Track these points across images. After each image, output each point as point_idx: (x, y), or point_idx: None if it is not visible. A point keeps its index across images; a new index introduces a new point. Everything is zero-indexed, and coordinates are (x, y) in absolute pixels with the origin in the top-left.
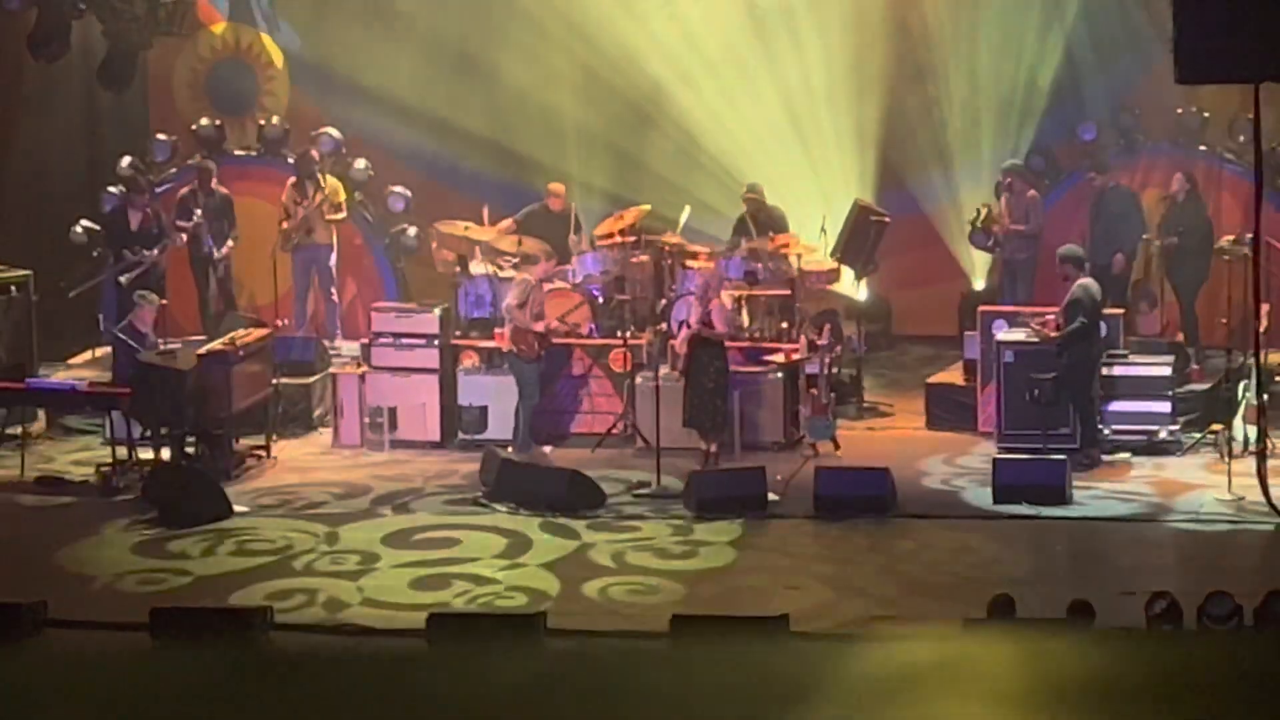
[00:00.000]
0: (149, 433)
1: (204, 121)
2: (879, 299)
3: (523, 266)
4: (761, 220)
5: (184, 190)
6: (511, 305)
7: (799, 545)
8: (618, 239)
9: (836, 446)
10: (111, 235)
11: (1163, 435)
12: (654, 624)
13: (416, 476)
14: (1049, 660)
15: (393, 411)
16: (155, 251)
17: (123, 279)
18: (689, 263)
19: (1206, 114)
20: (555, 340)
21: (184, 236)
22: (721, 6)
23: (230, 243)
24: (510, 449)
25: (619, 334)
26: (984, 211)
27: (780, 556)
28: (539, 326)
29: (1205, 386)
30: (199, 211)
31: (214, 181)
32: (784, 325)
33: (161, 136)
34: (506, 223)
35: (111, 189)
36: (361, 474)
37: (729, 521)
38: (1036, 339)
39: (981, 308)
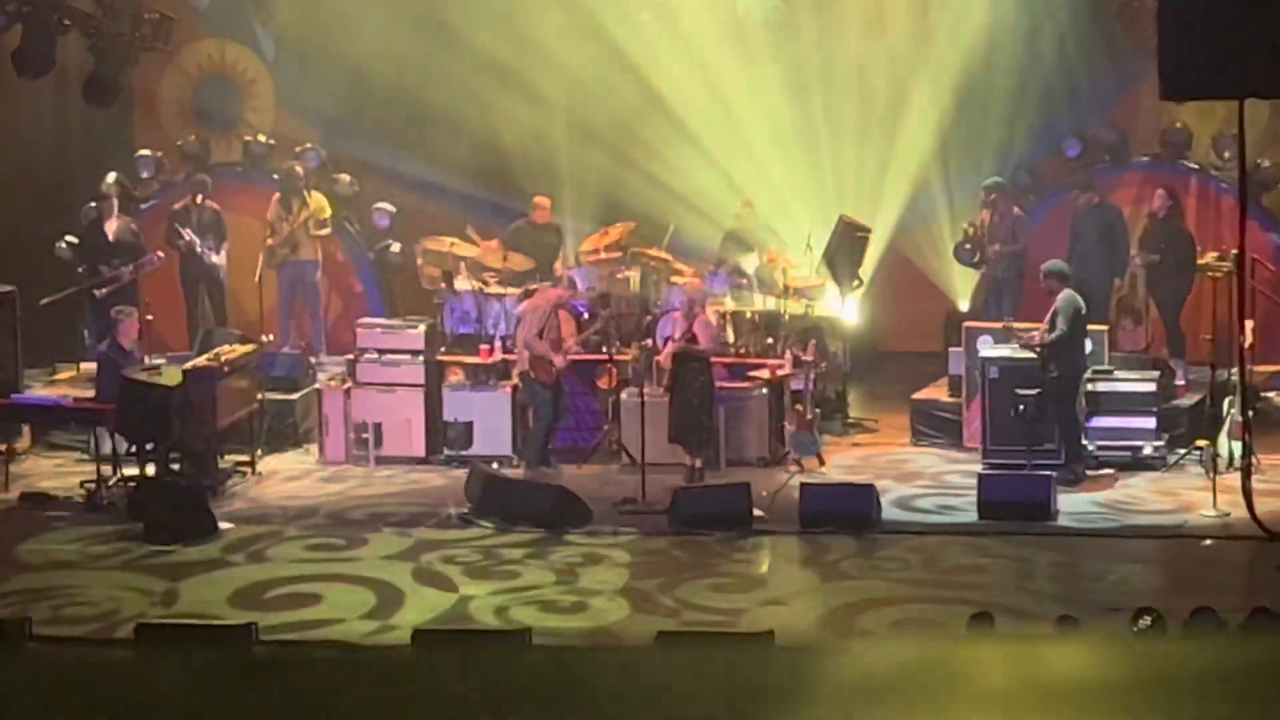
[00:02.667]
0: (134, 448)
1: (190, 137)
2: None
3: (537, 292)
4: (751, 236)
5: (178, 205)
6: (530, 335)
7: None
8: (603, 255)
9: (821, 463)
10: (89, 249)
11: (1147, 451)
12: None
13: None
14: (1036, 664)
15: (378, 427)
16: (130, 269)
17: (98, 293)
18: (674, 278)
19: (1191, 130)
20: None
21: (160, 255)
22: (705, 23)
23: (219, 253)
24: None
25: (604, 350)
26: (971, 230)
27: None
28: (558, 359)
29: (1190, 402)
30: (187, 231)
31: (200, 196)
32: (769, 341)
33: (146, 152)
34: (493, 241)
35: (92, 204)
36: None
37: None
38: (1025, 349)
39: (966, 323)
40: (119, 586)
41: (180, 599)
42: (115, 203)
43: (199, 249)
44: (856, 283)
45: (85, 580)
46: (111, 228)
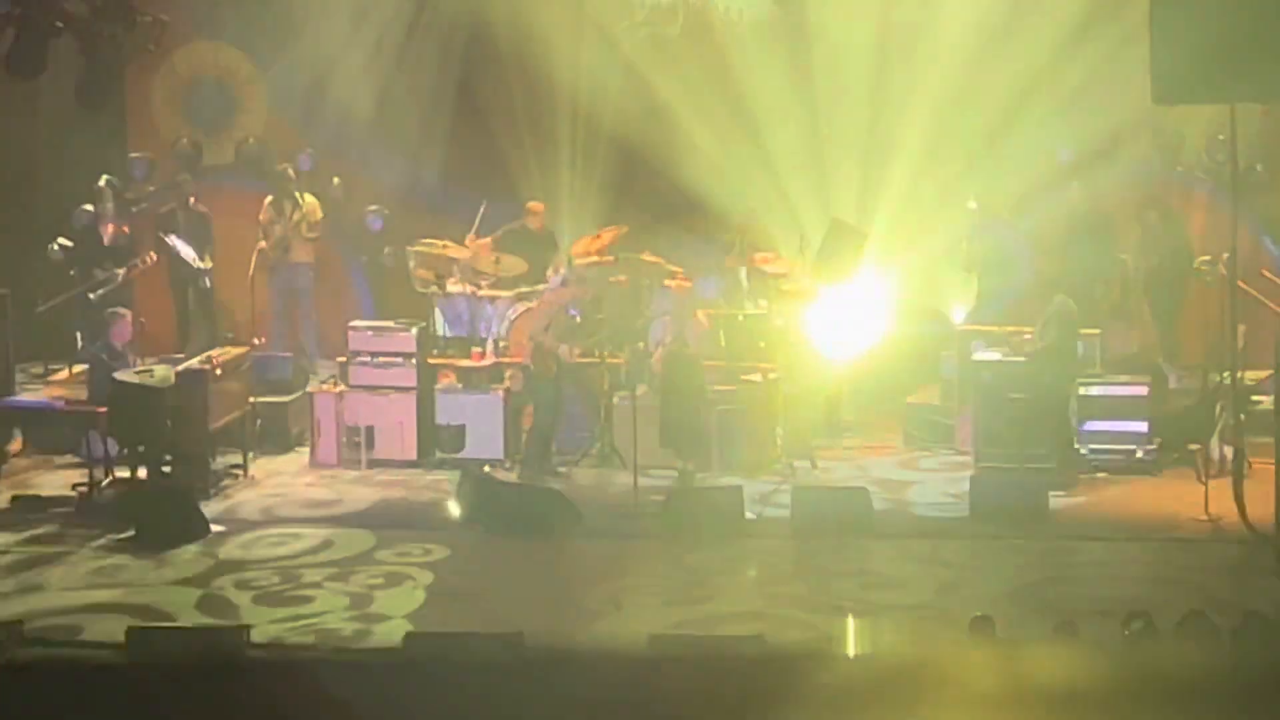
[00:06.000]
0: (126, 451)
1: (182, 140)
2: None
3: (548, 289)
4: (751, 241)
5: (164, 209)
6: (537, 329)
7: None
8: (594, 258)
9: (814, 465)
10: (83, 252)
11: (1139, 455)
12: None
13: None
14: (1027, 670)
15: (370, 430)
16: (124, 270)
17: (93, 295)
18: (666, 282)
19: (1183, 134)
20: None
21: (152, 255)
22: (697, 24)
23: (206, 256)
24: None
25: (596, 353)
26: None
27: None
28: (564, 350)
29: (1182, 406)
30: (172, 236)
31: (192, 199)
32: (761, 344)
33: (139, 154)
34: (485, 241)
35: (86, 206)
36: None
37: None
38: (1016, 356)
39: (960, 327)
40: None
41: None
42: (111, 206)
43: (181, 252)
44: (849, 285)
45: None
46: (107, 231)
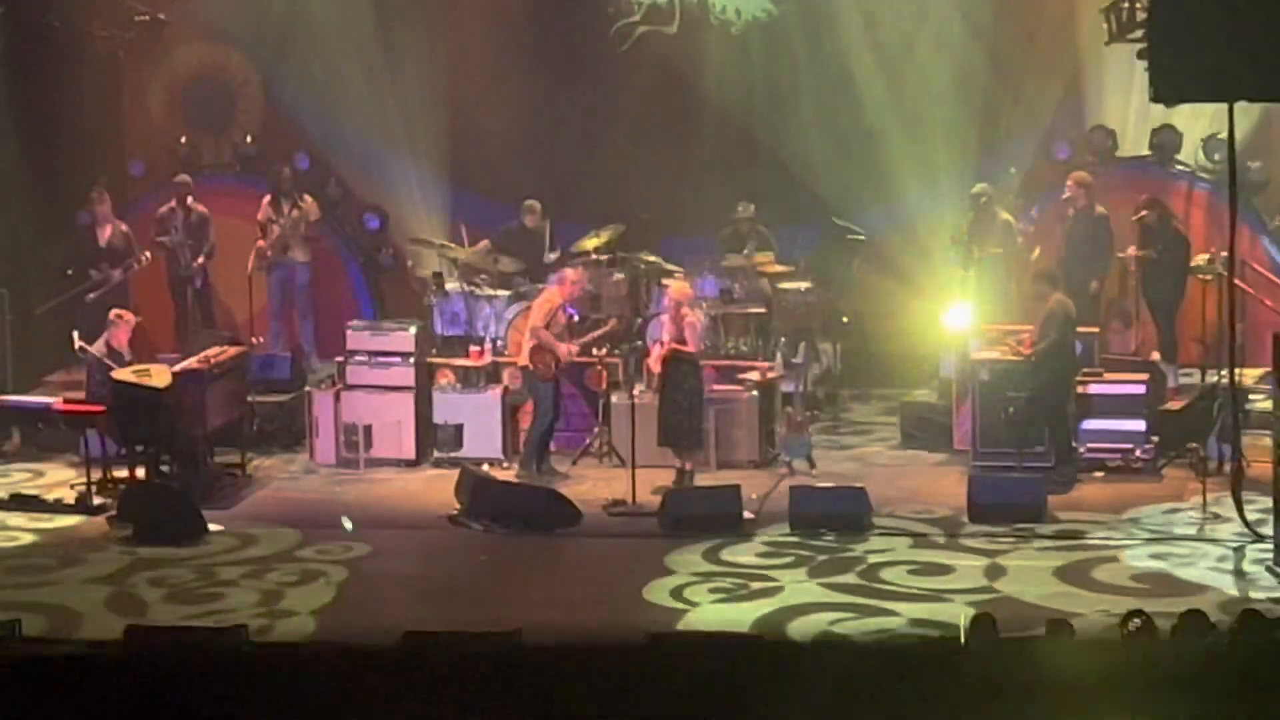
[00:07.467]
0: (124, 451)
1: (181, 139)
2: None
3: (545, 288)
4: (750, 239)
5: (162, 209)
6: (537, 325)
7: None
8: (593, 257)
9: (812, 465)
10: (81, 253)
11: (1137, 454)
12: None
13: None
14: (1029, 667)
15: (368, 429)
16: (119, 271)
17: (89, 297)
18: (664, 281)
19: (1181, 132)
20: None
21: (147, 255)
22: (695, 24)
23: (205, 255)
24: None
25: (594, 352)
26: (958, 234)
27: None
28: (564, 350)
29: (1180, 405)
30: (174, 229)
31: (190, 199)
32: (759, 343)
33: (137, 154)
34: (483, 242)
35: (84, 207)
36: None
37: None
38: (1013, 356)
39: (957, 327)
40: None
41: None
42: (108, 208)
43: (180, 253)
44: (847, 285)
45: None
46: (105, 233)
